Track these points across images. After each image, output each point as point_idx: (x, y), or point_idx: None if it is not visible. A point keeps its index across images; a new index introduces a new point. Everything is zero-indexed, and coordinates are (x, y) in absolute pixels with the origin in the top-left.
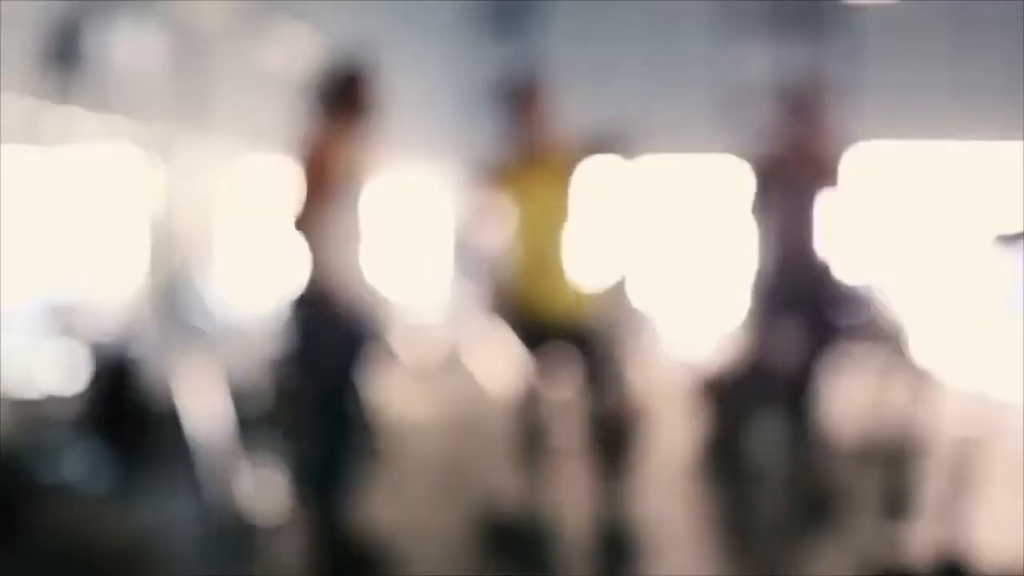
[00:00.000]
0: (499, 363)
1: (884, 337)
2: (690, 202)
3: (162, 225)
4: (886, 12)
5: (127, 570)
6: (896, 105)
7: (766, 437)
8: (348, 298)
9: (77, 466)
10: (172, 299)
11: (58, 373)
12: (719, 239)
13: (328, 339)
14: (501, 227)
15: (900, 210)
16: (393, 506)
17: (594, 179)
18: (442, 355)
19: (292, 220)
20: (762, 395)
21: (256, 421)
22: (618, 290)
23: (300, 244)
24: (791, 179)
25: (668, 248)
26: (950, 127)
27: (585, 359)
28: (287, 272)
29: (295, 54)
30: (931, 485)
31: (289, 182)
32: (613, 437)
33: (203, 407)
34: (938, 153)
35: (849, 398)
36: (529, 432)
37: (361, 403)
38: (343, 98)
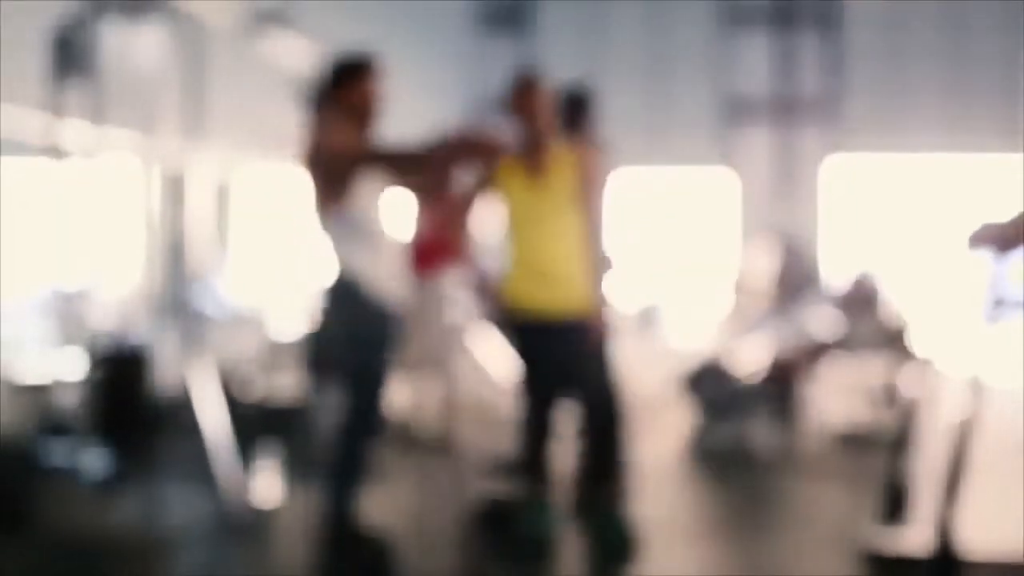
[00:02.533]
0: (501, 357)
1: (887, 328)
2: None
3: (170, 225)
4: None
5: (131, 558)
6: (892, 118)
7: None
8: (369, 290)
9: (82, 455)
10: (179, 292)
11: (66, 363)
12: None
13: (352, 329)
14: (499, 224)
15: (901, 215)
16: (398, 495)
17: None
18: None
19: (313, 212)
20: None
21: (257, 409)
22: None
23: (320, 237)
24: None
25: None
26: (944, 139)
27: (582, 359)
28: (297, 268)
29: (297, 59)
30: (927, 471)
31: (295, 181)
32: (608, 432)
33: (208, 396)
34: (934, 164)
35: (852, 388)
36: (532, 428)
37: (379, 392)
38: (348, 88)
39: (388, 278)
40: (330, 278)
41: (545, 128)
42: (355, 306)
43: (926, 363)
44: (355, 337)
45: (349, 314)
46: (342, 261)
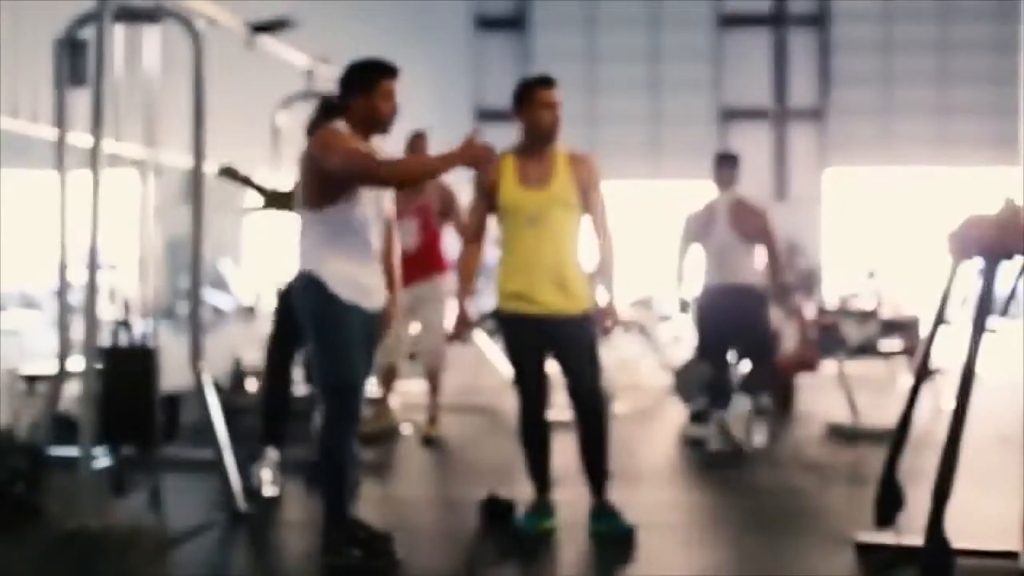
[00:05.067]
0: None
1: (894, 328)
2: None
3: (176, 222)
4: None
5: (136, 550)
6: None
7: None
8: (332, 289)
9: (88, 447)
10: (185, 286)
11: (72, 357)
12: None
13: (311, 328)
14: (498, 223)
15: (895, 223)
16: (401, 487)
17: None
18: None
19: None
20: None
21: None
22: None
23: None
24: None
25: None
26: (935, 154)
27: (577, 354)
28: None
29: (300, 62)
30: (919, 463)
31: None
32: (598, 429)
33: (212, 389)
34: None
35: (847, 385)
36: (527, 429)
37: (346, 388)
38: (359, 94)
39: (366, 280)
40: (294, 277)
41: (547, 131)
42: (313, 305)
43: (924, 361)
44: (313, 335)
45: (307, 313)
46: (306, 261)
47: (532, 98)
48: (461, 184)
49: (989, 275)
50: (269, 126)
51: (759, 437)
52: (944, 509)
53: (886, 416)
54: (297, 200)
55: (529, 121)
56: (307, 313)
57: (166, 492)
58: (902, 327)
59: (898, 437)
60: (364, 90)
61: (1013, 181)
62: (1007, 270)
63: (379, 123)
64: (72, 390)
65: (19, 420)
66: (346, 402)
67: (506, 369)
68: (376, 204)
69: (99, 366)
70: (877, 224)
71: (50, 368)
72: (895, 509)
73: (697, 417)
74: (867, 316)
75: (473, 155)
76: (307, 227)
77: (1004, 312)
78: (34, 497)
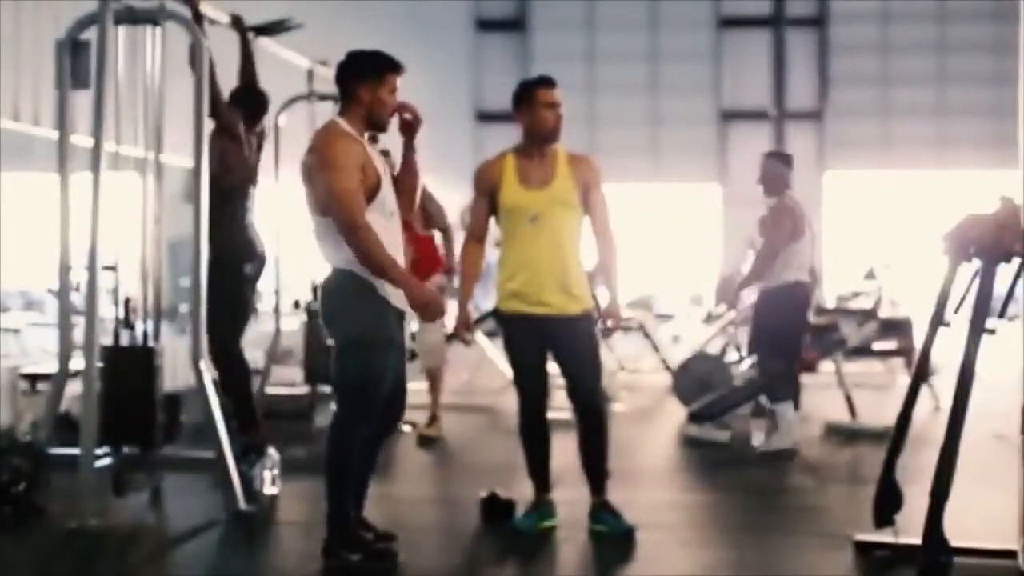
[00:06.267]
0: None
1: (891, 328)
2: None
3: (176, 222)
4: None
5: (136, 549)
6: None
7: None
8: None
9: (89, 446)
10: (185, 284)
11: (74, 356)
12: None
13: (340, 324)
14: (499, 222)
15: (893, 226)
16: (401, 486)
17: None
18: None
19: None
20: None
21: (262, 401)
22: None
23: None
24: None
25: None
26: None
27: (578, 354)
28: (301, 264)
29: (302, 62)
30: (918, 462)
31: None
32: (597, 429)
33: (212, 389)
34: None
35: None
36: (527, 428)
37: (366, 386)
38: (363, 88)
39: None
40: (323, 274)
41: (550, 131)
42: (362, 305)
43: (921, 360)
44: (350, 333)
45: (351, 312)
46: (347, 262)
47: (533, 98)
48: (458, 184)
49: (987, 277)
50: (270, 126)
51: (759, 437)
52: (943, 508)
53: (884, 416)
54: (314, 207)
55: (531, 121)
56: (351, 312)
57: (166, 492)
58: (896, 327)
59: (897, 437)
60: (372, 81)
61: (1012, 182)
62: (1005, 271)
63: (382, 118)
64: (74, 390)
65: (21, 419)
66: (363, 402)
67: (506, 369)
68: (391, 201)
69: (100, 366)
70: (876, 226)
71: (52, 368)
72: (894, 509)
73: (696, 417)
74: (866, 316)
75: (424, 304)
76: (324, 227)
77: (1002, 314)
78: (35, 496)
